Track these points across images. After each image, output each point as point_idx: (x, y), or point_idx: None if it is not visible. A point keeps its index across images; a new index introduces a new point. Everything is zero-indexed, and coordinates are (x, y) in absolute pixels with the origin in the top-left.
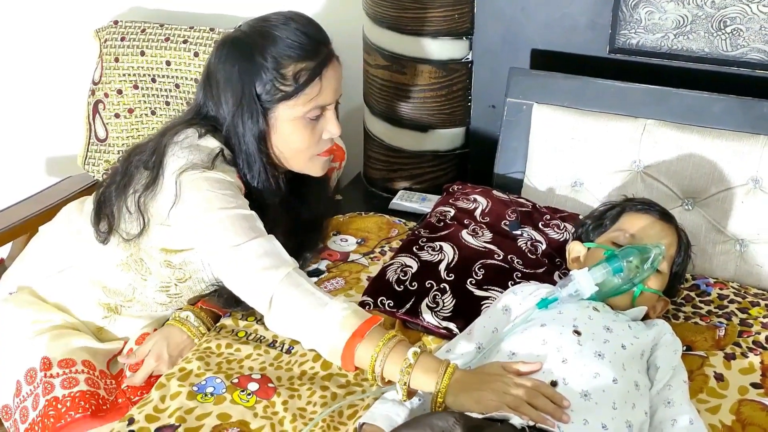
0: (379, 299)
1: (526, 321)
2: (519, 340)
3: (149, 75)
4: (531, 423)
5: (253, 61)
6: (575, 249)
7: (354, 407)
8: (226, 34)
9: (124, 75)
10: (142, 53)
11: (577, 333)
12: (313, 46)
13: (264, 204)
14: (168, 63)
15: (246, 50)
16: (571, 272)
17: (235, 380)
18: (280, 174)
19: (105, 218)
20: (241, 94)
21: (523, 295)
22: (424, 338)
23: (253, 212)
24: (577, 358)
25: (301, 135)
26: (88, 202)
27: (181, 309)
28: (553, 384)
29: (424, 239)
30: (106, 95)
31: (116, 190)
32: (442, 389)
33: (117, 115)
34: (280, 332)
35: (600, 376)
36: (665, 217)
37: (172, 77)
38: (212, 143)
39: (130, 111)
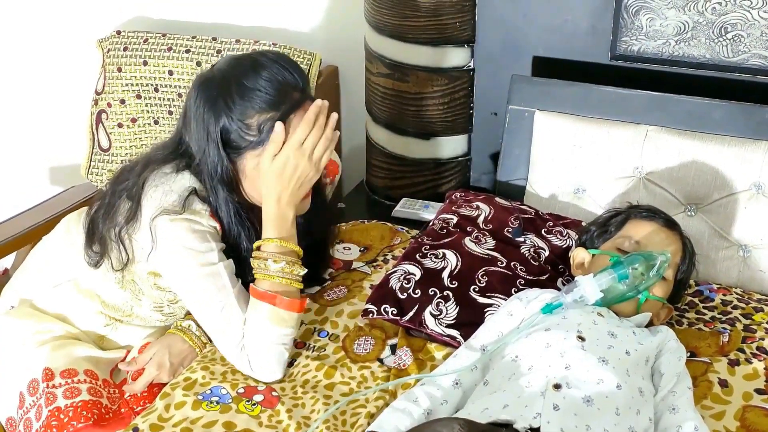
0: (383, 307)
1: (531, 326)
2: (523, 344)
3: (152, 85)
4: (535, 425)
5: (219, 108)
6: (579, 255)
7: (356, 415)
8: (201, 72)
9: (126, 85)
10: (145, 63)
11: (581, 338)
12: (280, 95)
13: (239, 246)
14: (170, 73)
15: (213, 95)
16: (576, 278)
17: (241, 390)
18: (255, 215)
19: (96, 243)
20: (207, 138)
21: (527, 300)
22: (428, 346)
23: (222, 266)
24: (580, 363)
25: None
26: (84, 216)
27: (183, 318)
28: (557, 387)
29: (427, 247)
30: (109, 105)
31: (103, 217)
32: None
33: (120, 125)
34: (253, 359)
35: (603, 382)
36: (670, 224)
37: (175, 87)
38: (187, 181)
39: (133, 120)
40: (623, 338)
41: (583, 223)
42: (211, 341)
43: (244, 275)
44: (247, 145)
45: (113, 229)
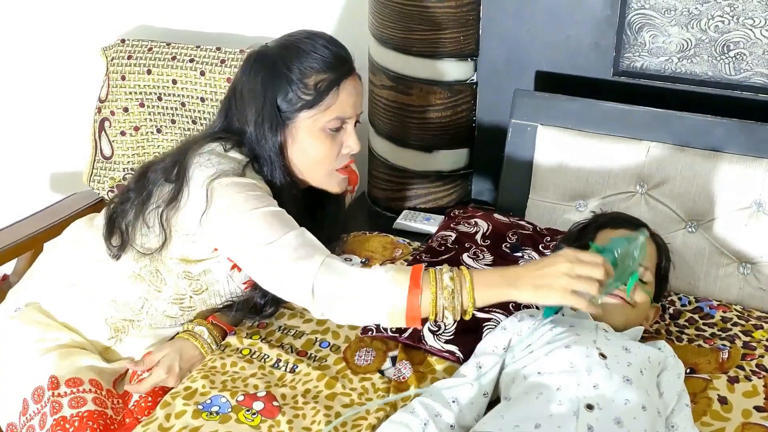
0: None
1: (541, 335)
2: (545, 362)
3: (155, 93)
4: None
5: (277, 72)
6: None
7: (357, 427)
8: (252, 50)
9: (130, 93)
10: (149, 72)
11: (603, 356)
12: (335, 59)
13: (289, 212)
14: (174, 82)
15: (270, 62)
16: None
17: (241, 398)
18: (299, 190)
19: (118, 234)
20: (263, 103)
21: (521, 317)
22: (429, 359)
23: (282, 209)
24: (606, 383)
25: (321, 146)
26: (99, 218)
27: (191, 321)
28: (589, 407)
29: (426, 264)
30: (113, 113)
31: (132, 206)
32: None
33: (123, 133)
34: (331, 317)
35: (630, 403)
36: (638, 227)
37: (179, 96)
38: (239, 156)
39: (136, 129)
40: (636, 354)
41: (557, 241)
42: (218, 345)
43: None
44: (303, 104)
45: (152, 213)
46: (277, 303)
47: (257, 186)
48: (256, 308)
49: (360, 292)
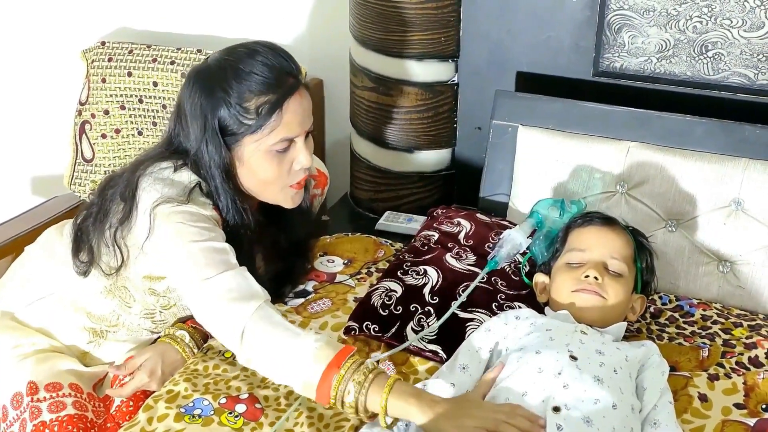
0: (365, 324)
1: (520, 349)
2: (514, 368)
3: (136, 96)
4: None
5: (216, 95)
6: (540, 280)
7: (340, 429)
8: (193, 65)
9: (111, 96)
10: (129, 74)
11: (574, 357)
12: (276, 78)
13: (239, 235)
14: (155, 84)
15: (208, 84)
16: (501, 234)
17: (223, 401)
18: (250, 206)
19: (85, 251)
20: (204, 127)
21: (505, 318)
22: (412, 359)
23: (226, 245)
24: (577, 383)
25: (269, 167)
26: (68, 227)
27: (172, 325)
28: (556, 410)
29: (409, 263)
30: (93, 116)
31: (93, 224)
32: (383, 405)
33: (104, 136)
34: (254, 367)
35: (600, 402)
36: (609, 222)
37: (159, 98)
38: (187, 177)
39: (117, 131)
40: (611, 355)
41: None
42: (200, 349)
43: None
44: (245, 129)
45: (107, 232)
46: None
47: (201, 215)
48: None
49: (283, 353)
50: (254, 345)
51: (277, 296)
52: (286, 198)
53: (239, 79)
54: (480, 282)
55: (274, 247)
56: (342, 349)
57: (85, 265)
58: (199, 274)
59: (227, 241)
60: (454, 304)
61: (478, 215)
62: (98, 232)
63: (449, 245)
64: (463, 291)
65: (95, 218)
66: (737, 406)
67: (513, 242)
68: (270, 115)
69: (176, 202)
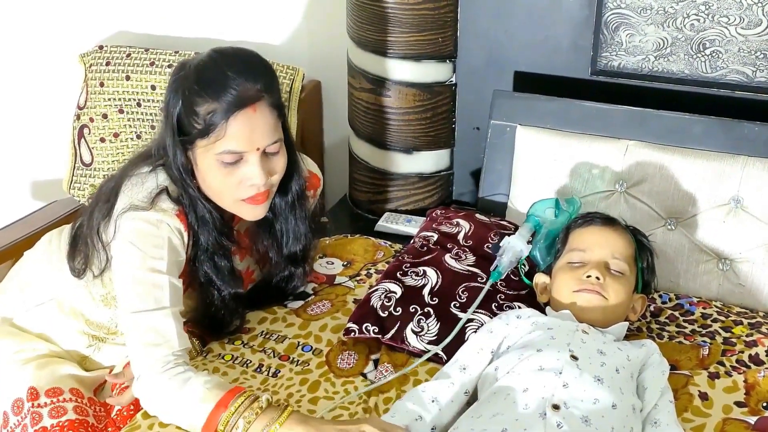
0: (364, 326)
1: (522, 347)
2: (516, 365)
3: (134, 99)
4: None
5: (177, 95)
6: (541, 280)
7: None
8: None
9: (109, 99)
10: (128, 78)
11: (574, 357)
12: (233, 89)
13: (201, 235)
14: (153, 87)
15: (177, 81)
16: (501, 242)
17: None
18: (219, 213)
19: (80, 254)
20: (167, 125)
21: (507, 318)
22: (411, 361)
23: (166, 279)
24: (577, 382)
25: (216, 176)
26: (65, 233)
27: None
28: (555, 408)
29: (408, 264)
30: (92, 120)
31: (86, 226)
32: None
33: (102, 140)
34: (147, 409)
35: (599, 402)
36: (610, 221)
37: (158, 102)
38: (159, 179)
39: (116, 135)
40: (612, 355)
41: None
42: (198, 355)
43: (212, 269)
44: (196, 133)
45: (92, 230)
46: (241, 317)
47: (155, 231)
48: (221, 324)
49: (175, 401)
50: (148, 392)
51: (276, 301)
52: (240, 211)
53: (199, 82)
54: (479, 283)
55: (263, 259)
56: (231, 389)
57: (80, 269)
58: (130, 303)
59: (194, 244)
60: (464, 317)
61: (477, 215)
62: (87, 233)
63: (448, 246)
64: (462, 292)
65: (89, 218)
66: (738, 404)
67: (513, 250)
68: (216, 124)
69: (139, 209)
